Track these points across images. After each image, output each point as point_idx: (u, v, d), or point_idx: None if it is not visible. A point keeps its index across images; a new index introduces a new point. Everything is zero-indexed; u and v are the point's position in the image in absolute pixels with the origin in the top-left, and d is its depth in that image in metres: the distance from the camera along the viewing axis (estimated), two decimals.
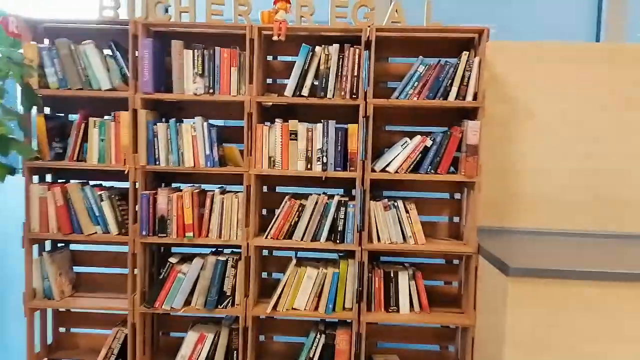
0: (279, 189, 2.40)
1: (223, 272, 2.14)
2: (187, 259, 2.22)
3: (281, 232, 2.13)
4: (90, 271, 2.44)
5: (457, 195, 2.35)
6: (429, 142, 2.08)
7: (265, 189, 2.40)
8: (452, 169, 2.11)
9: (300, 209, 2.12)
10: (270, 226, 2.14)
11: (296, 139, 2.10)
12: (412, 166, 2.09)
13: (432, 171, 2.08)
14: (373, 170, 2.10)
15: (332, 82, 2.08)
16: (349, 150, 2.09)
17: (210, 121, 2.15)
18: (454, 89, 2.04)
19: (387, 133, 2.34)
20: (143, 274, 2.17)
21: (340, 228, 2.10)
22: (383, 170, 2.10)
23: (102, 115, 2.16)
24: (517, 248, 1.98)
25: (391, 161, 2.09)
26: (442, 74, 2.05)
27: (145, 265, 2.20)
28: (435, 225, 2.36)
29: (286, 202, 2.14)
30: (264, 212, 2.39)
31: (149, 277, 2.24)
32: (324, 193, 2.18)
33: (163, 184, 2.38)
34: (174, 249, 2.44)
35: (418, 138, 2.09)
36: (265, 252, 2.42)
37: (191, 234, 2.11)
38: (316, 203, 2.11)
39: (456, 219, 2.36)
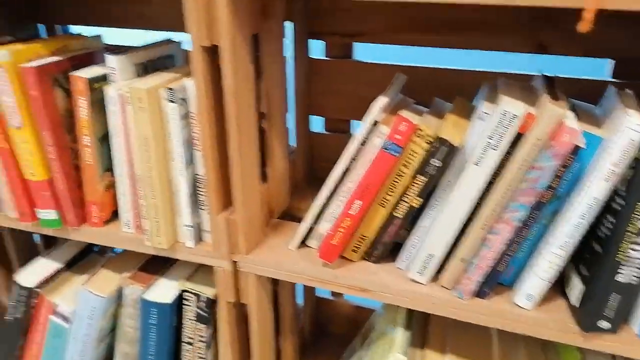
0: (361, 52, 0.70)
1: (175, 331, 0.68)
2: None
3: (352, 238, 0.56)
4: None
5: None
6: None
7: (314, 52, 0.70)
8: None
9: (430, 156, 0.49)
10: (316, 214, 0.57)
11: None
12: None
13: None
14: None
15: None
16: None
17: None
18: None
19: None
20: None
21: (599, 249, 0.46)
22: None
23: None
24: None
25: None
26: None
27: None
28: None
29: (369, 129, 0.51)
30: (296, 150, 0.74)
31: None
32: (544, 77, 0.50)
33: None
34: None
35: None
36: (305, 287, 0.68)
37: (54, 213, 0.63)
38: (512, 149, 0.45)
39: None
